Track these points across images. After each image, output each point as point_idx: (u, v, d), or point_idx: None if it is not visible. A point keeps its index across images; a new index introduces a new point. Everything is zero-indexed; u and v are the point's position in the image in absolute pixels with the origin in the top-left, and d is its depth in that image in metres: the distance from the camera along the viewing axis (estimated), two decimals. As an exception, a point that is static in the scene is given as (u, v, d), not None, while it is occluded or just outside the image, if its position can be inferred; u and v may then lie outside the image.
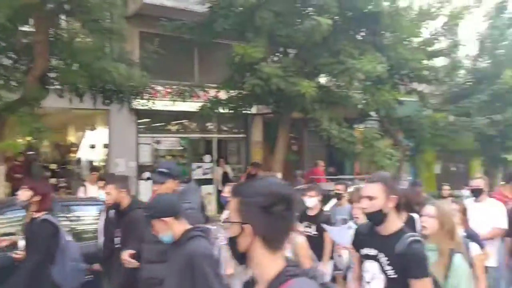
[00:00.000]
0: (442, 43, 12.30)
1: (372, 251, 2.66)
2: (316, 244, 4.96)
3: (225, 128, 12.96)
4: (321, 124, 9.28)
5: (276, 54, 10.03)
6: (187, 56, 11.64)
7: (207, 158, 12.50)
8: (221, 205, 8.02)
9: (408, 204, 3.83)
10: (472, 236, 3.73)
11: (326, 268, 5.16)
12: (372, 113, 11.86)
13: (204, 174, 12.34)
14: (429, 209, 3.08)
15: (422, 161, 12.76)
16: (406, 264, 2.48)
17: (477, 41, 13.39)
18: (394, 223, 2.64)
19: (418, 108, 12.39)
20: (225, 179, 11.88)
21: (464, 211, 4.04)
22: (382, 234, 2.64)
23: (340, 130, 9.30)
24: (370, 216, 2.66)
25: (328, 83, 10.62)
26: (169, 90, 10.88)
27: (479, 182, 5.19)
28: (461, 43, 12.33)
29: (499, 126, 12.00)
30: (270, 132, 11.71)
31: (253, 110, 11.50)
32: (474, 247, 3.49)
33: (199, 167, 12.31)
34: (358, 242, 2.82)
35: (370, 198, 2.61)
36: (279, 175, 8.98)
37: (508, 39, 13.02)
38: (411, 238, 2.52)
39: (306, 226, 5.41)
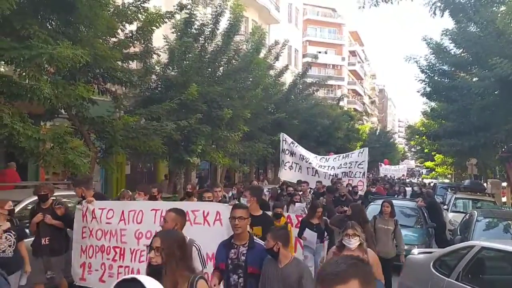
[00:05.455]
0: (136, 47, 12.46)
1: None
2: None
3: None
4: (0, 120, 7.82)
5: None
6: None
7: None
8: None
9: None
10: None
11: None
12: (62, 111, 10.91)
13: None
14: None
15: (114, 163, 12.55)
16: None
17: (167, 50, 14.22)
18: None
19: (111, 109, 12.15)
20: None
21: None
22: None
23: (25, 127, 8.06)
24: None
25: (9, 72, 9.09)
26: None
27: None
28: (154, 50, 12.80)
29: (184, 131, 13.07)
30: None
31: None
32: None
33: None
34: None
35: None
36: None
37: (193, 52, 14.37)
38: None
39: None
